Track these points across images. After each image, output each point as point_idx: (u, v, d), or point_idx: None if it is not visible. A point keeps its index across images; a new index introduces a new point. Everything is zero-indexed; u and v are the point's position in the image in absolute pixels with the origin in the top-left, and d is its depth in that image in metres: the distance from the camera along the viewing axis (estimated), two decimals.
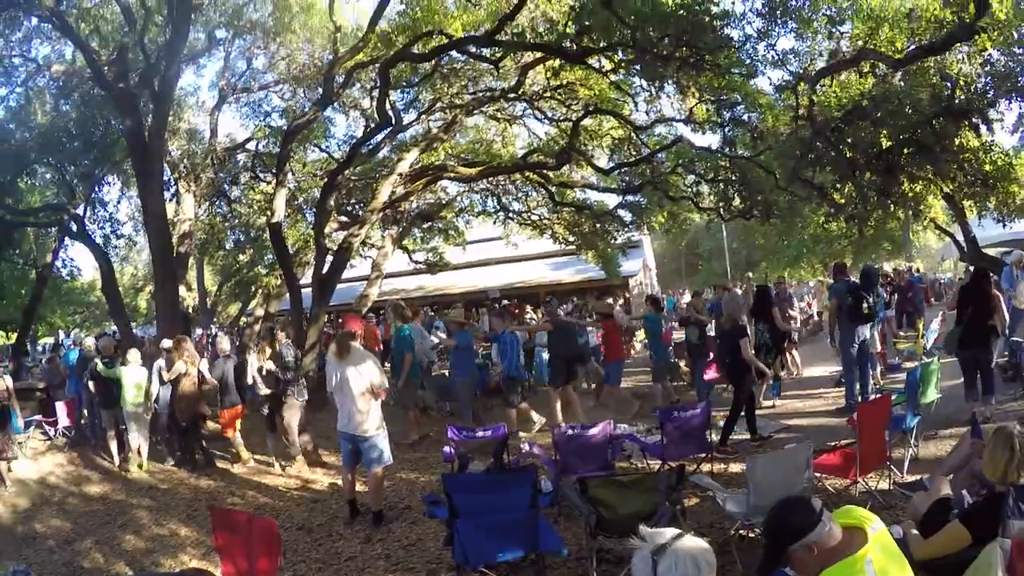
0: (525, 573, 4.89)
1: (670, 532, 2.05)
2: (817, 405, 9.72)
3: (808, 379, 11.57)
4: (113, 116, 13.26)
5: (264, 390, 8.84)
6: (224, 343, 9.90)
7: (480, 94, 15.14)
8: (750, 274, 23.00)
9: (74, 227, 13.63)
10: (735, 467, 6.66)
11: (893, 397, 6.66)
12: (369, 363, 6.16)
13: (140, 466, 9.17)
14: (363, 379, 6.05)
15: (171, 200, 15.82)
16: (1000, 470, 3.34)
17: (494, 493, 4.47)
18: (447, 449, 6.85)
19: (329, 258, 14.08)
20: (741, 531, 4.98)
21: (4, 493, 8.22)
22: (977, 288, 7.83)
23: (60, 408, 11.20)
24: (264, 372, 8.83)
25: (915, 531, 3.59)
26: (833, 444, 6.04)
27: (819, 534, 2.25)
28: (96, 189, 15.47)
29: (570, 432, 6.11)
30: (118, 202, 19.43)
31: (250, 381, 9.06)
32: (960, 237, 15.57)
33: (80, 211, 14.31)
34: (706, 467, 6.55)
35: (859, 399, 8.48)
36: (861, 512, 2.45)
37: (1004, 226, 15.78)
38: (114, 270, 14.20)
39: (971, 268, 19.83)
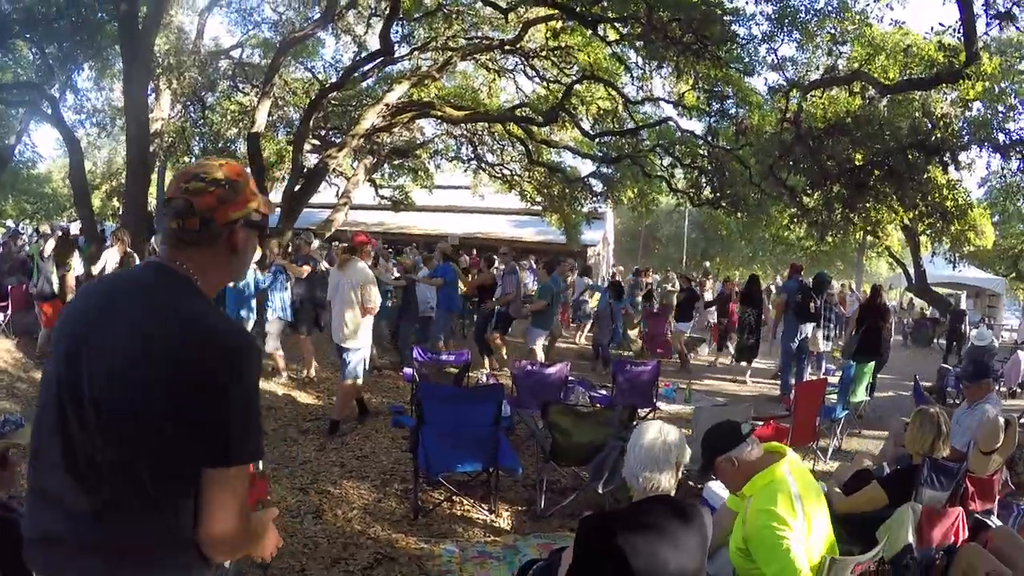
0: (475, 490, 5.18)
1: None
2: (753, 389, 10.30)
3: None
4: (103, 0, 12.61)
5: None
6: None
7: (477, 41, 15.12)
8: (707, 263, 23.69)
9: (48, 110, 12.97)
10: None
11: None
12: (361, 279, 6.23)
13: None
14: (353, 293, 6.19)
15: (149, 95, 15.31)
16: (927, 445, 3.77)
17: (461, 406, 4.72)
18: (408, 370, 7.04)
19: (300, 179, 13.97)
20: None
21: None
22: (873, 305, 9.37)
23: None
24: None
25: (837, 489, 4.03)
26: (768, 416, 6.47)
27: (740, 450, 2.67)
28: (74, 74, 14.72)
29: (529, 368, 6.42)
30: (91, 91, 18.73)
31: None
32: (911, 269, 16.39)
33: (55, 94, 13.60)
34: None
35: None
36: (783, 446, 2.85)
37: (954, 268, 16.66)
38: (83, 159, 13.64)
39: (913, 300, 21.05)
